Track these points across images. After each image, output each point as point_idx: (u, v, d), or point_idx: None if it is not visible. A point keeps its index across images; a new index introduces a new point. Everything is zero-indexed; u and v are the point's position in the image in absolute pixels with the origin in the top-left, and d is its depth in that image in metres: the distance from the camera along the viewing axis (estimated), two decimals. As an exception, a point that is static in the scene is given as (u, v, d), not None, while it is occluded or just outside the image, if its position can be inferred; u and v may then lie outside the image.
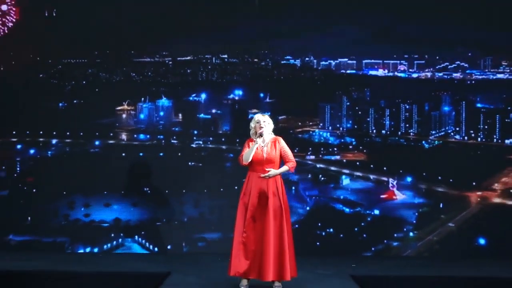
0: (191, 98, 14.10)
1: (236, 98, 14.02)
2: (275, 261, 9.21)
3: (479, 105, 13.93)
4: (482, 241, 13.35)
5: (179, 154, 13.84)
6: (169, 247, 13.44)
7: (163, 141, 13.98)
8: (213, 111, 14.13)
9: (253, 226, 9.34)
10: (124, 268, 11.40)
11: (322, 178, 13.88)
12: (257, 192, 9.36)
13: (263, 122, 9.50)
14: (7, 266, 11.23)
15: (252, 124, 9.63)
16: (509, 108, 13.82)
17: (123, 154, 13.80)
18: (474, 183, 13.61)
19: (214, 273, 10.72)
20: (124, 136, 14.11)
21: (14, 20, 13.99)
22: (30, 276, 10.63)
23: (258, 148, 9.45)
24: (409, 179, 13.68)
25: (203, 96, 14.07)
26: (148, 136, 14.09)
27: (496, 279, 10.93)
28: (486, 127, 13.86)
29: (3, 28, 13.94)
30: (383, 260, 12.86)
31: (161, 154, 13.88)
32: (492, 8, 13.39)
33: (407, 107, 14.01)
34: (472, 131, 13.89)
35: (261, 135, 9.46)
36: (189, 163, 13.77)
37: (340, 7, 13.58)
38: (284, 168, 9.56)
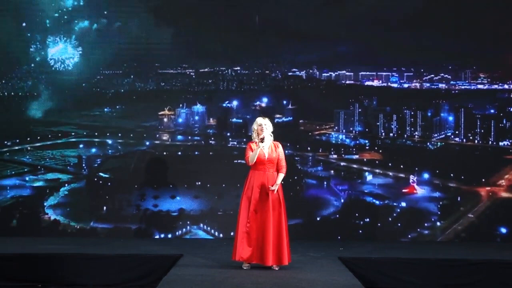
0: (224, 105, 15.03)
1: (263, 105, 15.00)
2: (274, 247, 9.99)
3: (474, 111, 15.21)
4: (503, 230, 14.54)
5: (221, 153, 14.78)
6: (232, 233, 13.90)
7: (202, 141, 14.93)
8: (240, 115, 15.10)
9: (255, 217, 10.06)
10: (145, 251, 11.93)
11: (347, 175, 14.91)
12: (259, 188, 10.11)
13: (264, 125, 10.24)
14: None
15: (254, 126, 10.33)
16: (501, 114, 15.13)
17: (165, 153, 14.75)
18: (483, 180, 14.79)
19: (220, 255, 11.47)
20: (166, 137, 14.99)
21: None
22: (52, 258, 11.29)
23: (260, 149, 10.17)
24: (426, 175, 14.76)
25: (235, 102, 15.02)
26: (189, 137, 15.00)
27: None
28: (482, 131, 15.08)
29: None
30: (365, 243, 13.60)
31: (197, 153, 14.79)
32: (471, 26, 14.65)
33: (412, 113, 15.18)
34: (470, 134, 15.10)
35: (262, 140, 10.23)
36: (234, 161, 14.62)
37: (337, 26, 14.72)
38: (281, 177, 10.27)
